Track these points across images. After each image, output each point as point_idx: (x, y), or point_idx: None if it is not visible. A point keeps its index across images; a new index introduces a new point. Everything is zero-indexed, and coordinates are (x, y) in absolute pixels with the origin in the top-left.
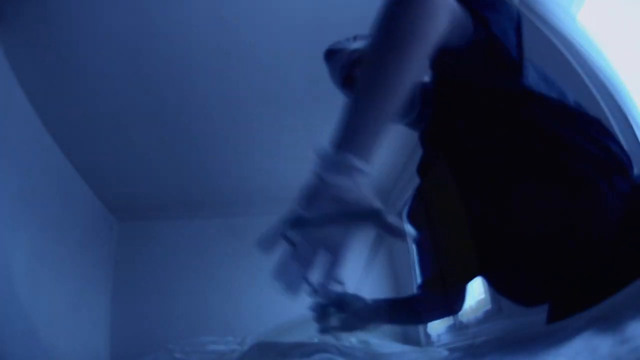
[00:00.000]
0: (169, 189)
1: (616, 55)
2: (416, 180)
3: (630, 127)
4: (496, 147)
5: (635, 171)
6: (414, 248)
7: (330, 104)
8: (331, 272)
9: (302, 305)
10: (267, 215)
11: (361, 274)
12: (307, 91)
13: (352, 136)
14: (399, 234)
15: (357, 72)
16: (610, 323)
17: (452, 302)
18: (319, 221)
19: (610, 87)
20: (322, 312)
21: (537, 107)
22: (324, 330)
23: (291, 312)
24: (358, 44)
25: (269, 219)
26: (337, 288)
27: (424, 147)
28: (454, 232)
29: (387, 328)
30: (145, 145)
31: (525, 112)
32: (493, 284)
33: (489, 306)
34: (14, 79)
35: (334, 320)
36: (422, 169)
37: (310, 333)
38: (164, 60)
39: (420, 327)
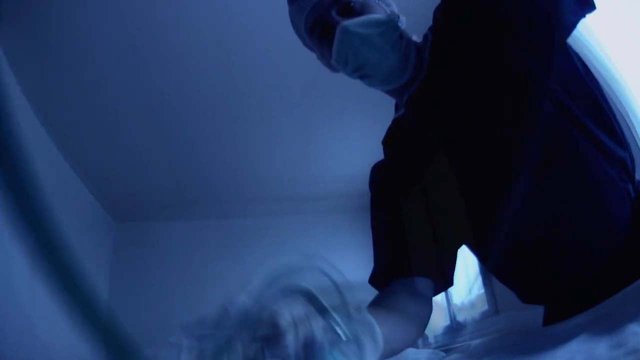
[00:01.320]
0: (166, 190)
1: (616, 57)
2: None
3: (629, 128)
4: (506, 120)
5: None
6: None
7: (328, 106)
8: None
9: None
10: (264, 217)
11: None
12: (304, 92)
13: None
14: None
15: (332, 15)
16: (608, 325)
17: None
18: None
19: (609, 88)
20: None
21: (566, 88)
22: None
23: None
24: None
25: (267, 220)
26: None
27: (412, 113)
28: (441, 212)
29: None
30: (143, 146)
31: (549, 88)
32: (495, 273)
33: (485, 307)
34: (14, 79)
35: None
36: (389, 140)
37: None
38: (162, 61)
39: None
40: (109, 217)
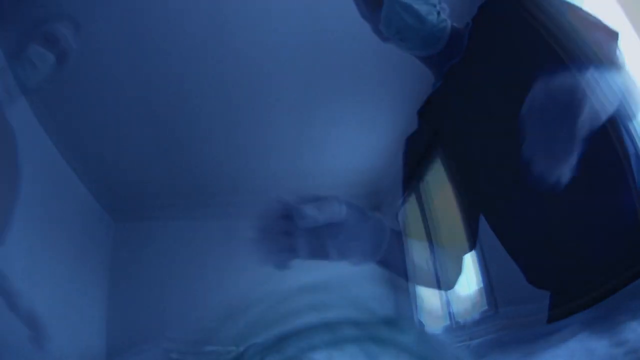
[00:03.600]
0: (166, 189)
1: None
2: None
3: None
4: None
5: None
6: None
7: (327, 105)
8: None
9: None
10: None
11: None
12: (303, 93)
13: None
14: None
15: None
16: (607, 324)
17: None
18: None
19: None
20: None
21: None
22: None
23: None
24: None
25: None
26: None
27: (448, 87)
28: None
29: None
30: (142, 145)
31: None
32: (506, 248)
33: (485, 307)
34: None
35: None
36: (424, 111)
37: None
38: (160, 60)
39: None
40: (108, 216)
